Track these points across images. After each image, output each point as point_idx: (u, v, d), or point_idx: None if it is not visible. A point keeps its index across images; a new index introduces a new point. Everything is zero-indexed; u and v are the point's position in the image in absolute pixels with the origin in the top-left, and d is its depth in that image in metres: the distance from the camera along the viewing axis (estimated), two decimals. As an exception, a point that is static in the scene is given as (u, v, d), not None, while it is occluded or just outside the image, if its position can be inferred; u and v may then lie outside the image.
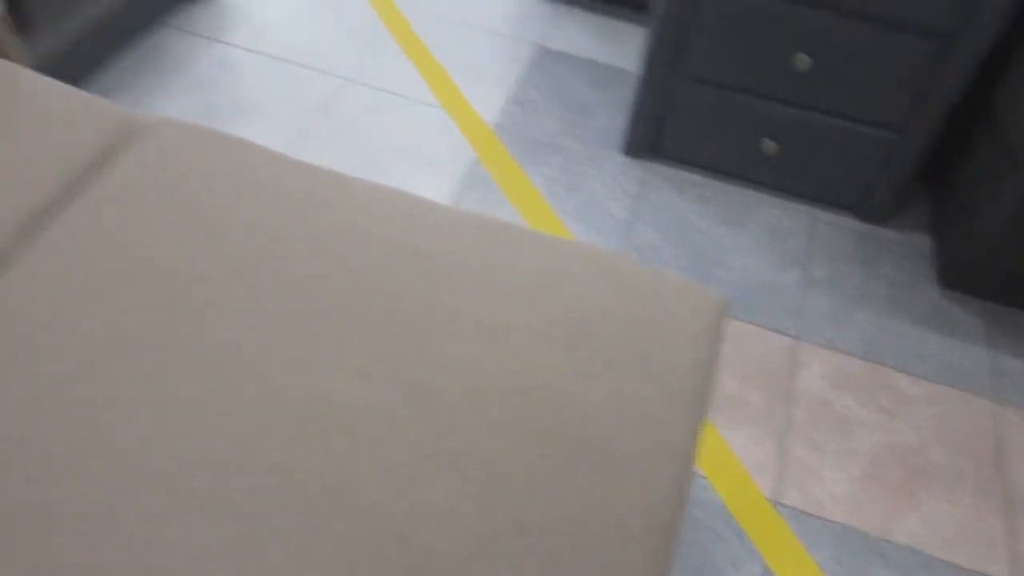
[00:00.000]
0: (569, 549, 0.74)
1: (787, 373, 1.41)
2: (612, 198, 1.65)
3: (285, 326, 0.86)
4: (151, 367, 0.81)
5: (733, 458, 1.29)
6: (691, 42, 1.55)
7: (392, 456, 0.77)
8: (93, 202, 0.96)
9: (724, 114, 1.63)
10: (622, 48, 2.02)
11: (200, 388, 0.80)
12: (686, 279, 0.99)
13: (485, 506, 0.75)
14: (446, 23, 2.02)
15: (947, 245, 1.59)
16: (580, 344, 0.89)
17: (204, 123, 1.66)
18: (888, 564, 1.20)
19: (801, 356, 1.44)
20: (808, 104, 1.57)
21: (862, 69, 1.49)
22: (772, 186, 1.72)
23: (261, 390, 0.80)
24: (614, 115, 1.84)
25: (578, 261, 0.98)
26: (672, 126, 1.69)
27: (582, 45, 2.01)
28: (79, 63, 1.67)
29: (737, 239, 1.62)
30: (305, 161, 1.06)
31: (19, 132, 1.02)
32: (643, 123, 1.70)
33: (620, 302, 0.94)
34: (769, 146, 1.64)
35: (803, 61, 1.51)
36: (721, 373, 1.40)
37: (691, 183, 1.72)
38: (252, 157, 1.04)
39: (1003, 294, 1.56)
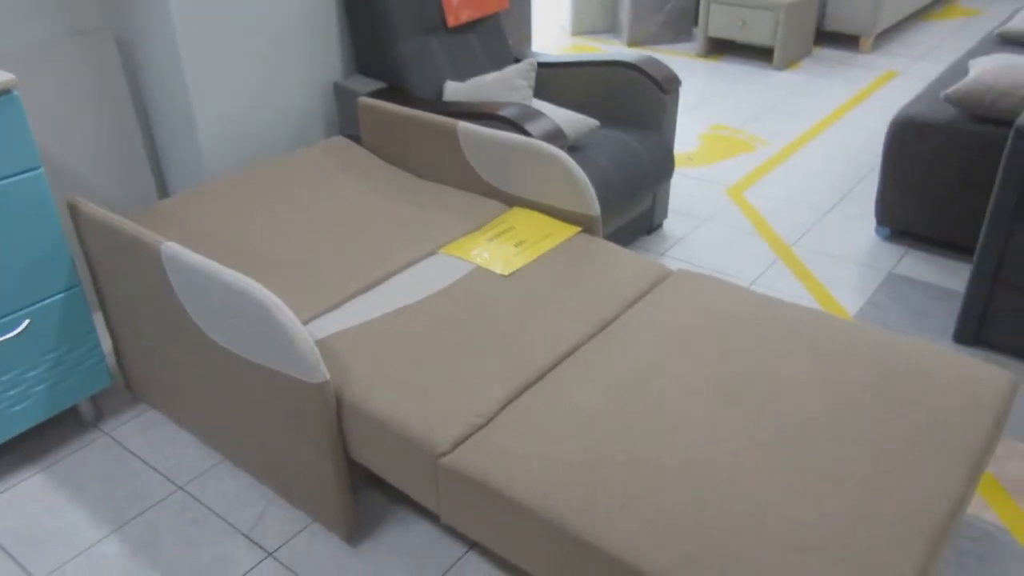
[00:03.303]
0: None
1: (1082, 484, 1.94)
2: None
3: (750, 384, 1.72)
4: (701, 398, 1.70)
5: (1033, 523, 1.84)
6: (1005, 262, 2.28)
7: (789, 425, 1.57)
8: (647, 307, 1.92)
9: (1033, 313, 2.29)
10: (954, 276, 2.75)
11: (731, 410, 1.67)
12: (984, 363, 1.69)
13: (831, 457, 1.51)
14: (819, 254, 2.91)
15: None
16: (913, 390, 1.63)
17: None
18: None
19: (1095, 476, 1.96)
20: (1101, 308, 2.19)
21: None
22: (1076, 369, 2.29)
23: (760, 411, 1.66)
24: (946, 318, 2.55)
25: (914, 347, 1.73)
26: (993, 321, 2.37)
27: (921, 272, 2.78)
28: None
29: None
30: (767, 295, 1.95)
31: (609, 272, 2.05)
32: (969, 319, 2.40)
33: (941, 368, 1.67)
34: (1072, 338, 2.25)
35: (1095, 277, 2.16)
36: (1027, 477, 1.97)
37: (1005, 364, 2.35)
38: (737, 293, 1.97)
39: None
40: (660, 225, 3.11)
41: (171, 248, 1.76)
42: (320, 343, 1.78)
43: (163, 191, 2.73)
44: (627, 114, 2.87)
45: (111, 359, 2.42)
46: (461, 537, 1.86)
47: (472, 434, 1.56)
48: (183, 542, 1.87)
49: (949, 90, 2.68)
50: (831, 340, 1.77)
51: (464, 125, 2.34)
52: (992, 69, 2.68)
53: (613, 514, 1.35)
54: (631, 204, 2.72)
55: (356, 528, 1.88)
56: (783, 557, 1.27)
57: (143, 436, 2.17)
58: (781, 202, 3.31)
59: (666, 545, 1.30)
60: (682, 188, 3.43)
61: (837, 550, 1.28)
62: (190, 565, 1.81)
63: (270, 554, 1.84)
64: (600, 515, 1.35)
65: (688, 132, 3.98)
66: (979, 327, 2.41)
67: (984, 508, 1.90)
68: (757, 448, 1.48)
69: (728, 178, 3.52)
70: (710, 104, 4.32)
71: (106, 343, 2.47)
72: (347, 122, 2.81)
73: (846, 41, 5.30)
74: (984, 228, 2.29)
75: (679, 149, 3.80)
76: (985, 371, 1.67)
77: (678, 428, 1.53)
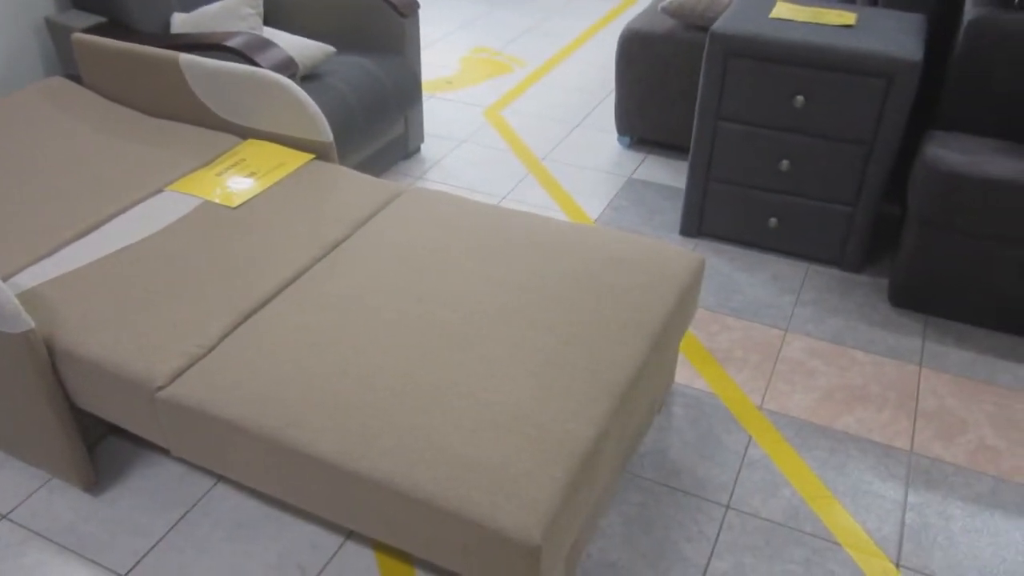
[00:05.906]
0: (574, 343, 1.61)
1: (776, 348, 2.21)
2: (670, 258, 2.55)
3: (472, 277, 1.82)
4: (399, 303, 1.78)
5: (734, 386, 2.09)
6: (714, 159, 2.51)
7: (502, 302, 1.69)
8: (376, 226, 1.98)
9: (741, 202, 2.55)
10: (684, 176, 3.00)
11: (432, 304, 1.76)
12: (674, 246, 1.88)
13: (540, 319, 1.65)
14: (567, 166, 3.07)
15: (894, 277, 2.38)
16: (608, 276, 1.79)
17: (417, 220, 2.71)
18: (828, 438, 1.94)
19: (787, 339, 2.24)
20: (793, 192, 2.46)
21: (822, 167, 2.39)
22: (776, 249, 2.58)
23: (468, 297, 1.75)
24: (676, 215, 2.78)
25: (619, 240, 1.90)
26: (709, 213, 2.61)
27: (656, 175, 3.01)
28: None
29: (752, 279, 2.48)
30: (493, 204, 2.05)
31: (341, 195, 2.08)
32: (691, 213, 2.63)
33: (637, 256, 1.84)
34: (772, 222, 2.53)
35: (785, 165, 2.43)
36: (734, 347, 2.22)
37: (722, 250, 2.61)
38: (463, 205, 2.05)
39: (930, 308, 2.32)
40: (418, 149, 3.15)
41: None
42: (29, 292, 1.70)
43: None
44: (367, 40, 2.86)
45: None
46: (210, 471, 1.87)
47: (192, 365, 1.56)
48: (-96, 518, 1.76)
49: (665, 2, 2.87)
50: (548, 241, 1.89)
51: (187, 57, 2.25)
52: (703, -19, 2.88)
53: (323, 422, 1.41)
54: (377, 129, 2.73)
55: (99, 476, 1.85)
56: (479, 438, 1.38)
57: None
58: (534, 119, 3.44)
59: (372, 443, 1.37)
60: (441, 112, 3.48)
61: (528, 425, 1.40)
62: (-88, 540, 1.71)
63: (4, 516, 1.77)
64: (312, 425, 1.41)
65: (448, 56, 4.02)
66: (700, 220, 2.65)
67: (695, 377, 2.13)
68: (464, 345, 1.58)
69: (486, 99, 3.60)
70: (473, 28, 4.37)
71: None
72: (67, 61, 2.62)
73: (603, -39, 5.49)
74: (694, 128, 2.51)
75: (439, 73, 3.84)
76: (673, 253, 1.86)
77: (392, 335, 1.60)
